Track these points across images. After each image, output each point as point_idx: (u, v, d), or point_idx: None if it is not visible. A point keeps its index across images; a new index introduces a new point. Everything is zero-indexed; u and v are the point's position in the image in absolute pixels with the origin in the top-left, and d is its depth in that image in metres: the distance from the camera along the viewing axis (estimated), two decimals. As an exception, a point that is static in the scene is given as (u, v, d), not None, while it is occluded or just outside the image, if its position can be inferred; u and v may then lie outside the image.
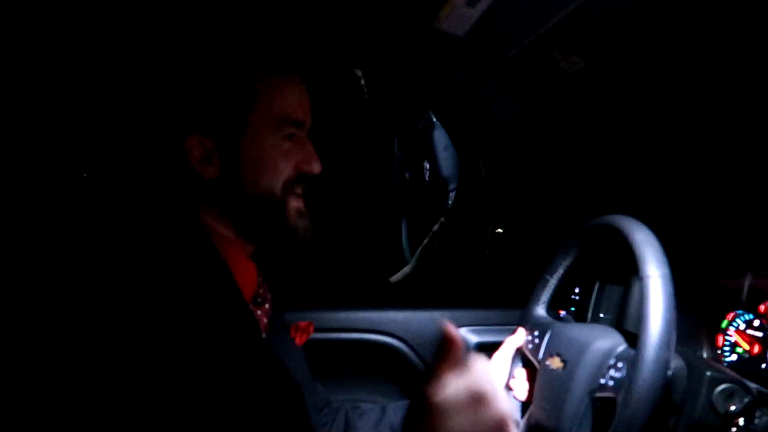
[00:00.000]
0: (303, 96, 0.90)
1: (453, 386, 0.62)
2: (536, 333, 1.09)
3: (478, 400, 0.62)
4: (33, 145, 1.11)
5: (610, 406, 0.85)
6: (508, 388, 1.13)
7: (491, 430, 0.62)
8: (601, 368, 0.89)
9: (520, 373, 1.14)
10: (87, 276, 0.71)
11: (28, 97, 1.11)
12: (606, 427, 0.82)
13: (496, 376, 1.12)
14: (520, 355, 1.15)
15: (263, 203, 0.86)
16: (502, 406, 0.63)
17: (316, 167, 0.90)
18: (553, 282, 1.14)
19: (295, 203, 0.89)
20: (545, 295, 1.15)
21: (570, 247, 1.10)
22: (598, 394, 0.89)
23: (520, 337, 1.13)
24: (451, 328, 0.64)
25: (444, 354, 0.64)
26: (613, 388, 0.85)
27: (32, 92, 1.11)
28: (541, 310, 1.15)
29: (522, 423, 1.08)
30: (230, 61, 0.85)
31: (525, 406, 1.12)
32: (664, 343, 0.77)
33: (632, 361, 0.80)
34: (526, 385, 1.12)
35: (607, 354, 0.90)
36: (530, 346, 1.10)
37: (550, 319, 1.13)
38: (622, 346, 0.91)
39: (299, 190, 0.90)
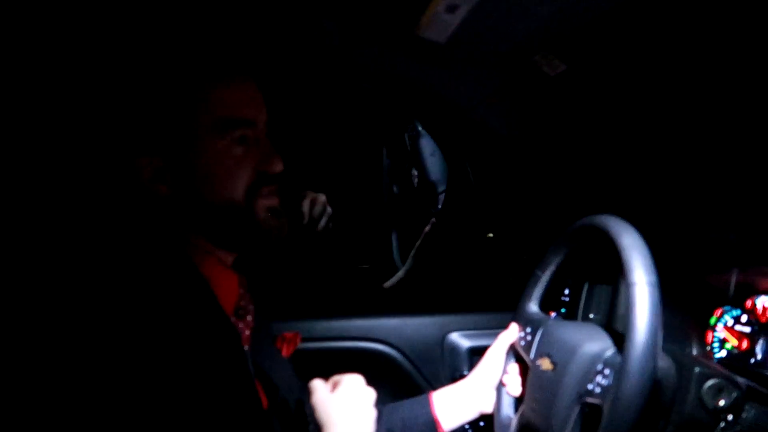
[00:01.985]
0: (249, 94, 0.85)
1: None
2: (528, 330, 1.10)
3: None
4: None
5: (598, 410, 0.85)
6: (502, 384, 1.13)
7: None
8: (589, 373, 0.89)
9: (513, 368, 1.14)
10: (63, 292, 0.70)
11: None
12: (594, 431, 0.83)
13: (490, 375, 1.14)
14: (513, 350, 1.15)
15: (226, 212, 0.83)
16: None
17: (276, 166, 0.86)
18: (544, 278, 1.14)
19: (264, 203, 0.85)
20: (537, 291, 1.15)
21: (561, 244, 1.10)
22: (586, 399, 0.89)
23: (513, 333, 1.14)
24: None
25: None
26: (600, 395, 0.85)
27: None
28: (533, 306, 1.15)
29: (514, 420, 1.09)
30: (167, 75, 0.82)
31: (518, 401, 1.12)
32: (650, 353, 0.76)
33: (618, 369, 0.80)
34: (519, 381, 1.12)
35: (595, 359, 0.90)
36: (522, 342, 1.10)
37: (542, 315, 1.13)
38: (609, 351, 0.91)
39: (268, 191, 0.86)
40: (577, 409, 0.91)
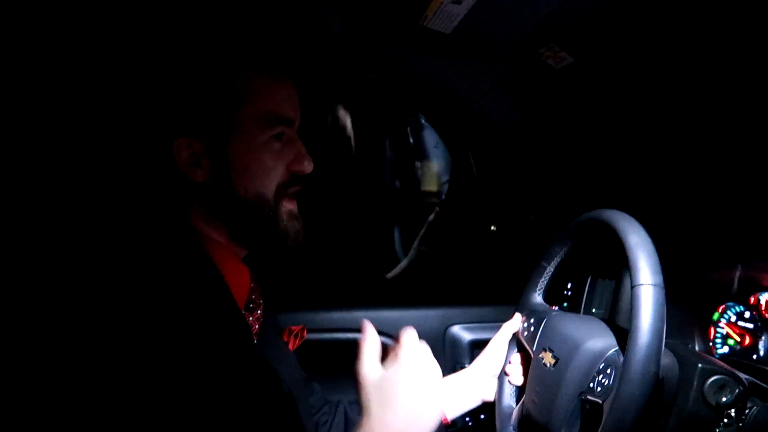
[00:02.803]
0: (291, 93, 0.87)
1: (383, 376, 0.76)
2: (532, 320, 1.10)
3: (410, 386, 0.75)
4: (22, 149, 1.10)
5: (599, 407, 0.85)
6: (504, 373, 1.13)
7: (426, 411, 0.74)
8: (591, 371, 0.89)
9: (516, 358, 1.14)
10: (77, 283, 0.70)
11: (18, 101, 1.10)
12: (594, 429, 0.82)
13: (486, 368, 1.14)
14: (515, 340, 1.15)
15: (254, 207, 0.84)
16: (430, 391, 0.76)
17: (308, 166, 0.87)
18: (549, 269, 1.13)
19: (287, 206, 0.87)
20: (542, 282, 1.15)
21: (567, 236, 1.09)
22: (587, 397, 0.89)
23: (516, 323, 1.14)
24: (365, 322, 0.82)
25: (365, 342, 0.79)
26: (601, 395, 0.85)
27: (21, 95, 1.10)
28: (537, 297, 1.15)
29: (516, 410, 1.09)
30: (216, 62, 0.83)
31: (520, 391, 1.12)
32: (652, 356, 0.76)
33: (620, 370, 0.79)
34: (521, 371, 1.12)
35: (598, 357, 0.90)
36: (526, 333, 1.10)
37: (546, 306, 1.13)
38: (612, 350, 0.90)
39: (292, 192, 0.88)
40: (577, 406, 0.91)
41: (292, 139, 0.88)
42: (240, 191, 0.83)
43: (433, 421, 0.75)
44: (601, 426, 0.80)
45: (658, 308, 0.77)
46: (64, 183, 1.10)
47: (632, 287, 0.79)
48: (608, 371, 0.86)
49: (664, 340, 0.78)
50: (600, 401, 0.84)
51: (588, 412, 0.91)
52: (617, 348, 0.90)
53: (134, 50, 1.05)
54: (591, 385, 0.87)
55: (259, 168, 0.84)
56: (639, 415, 0.76)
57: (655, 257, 0.81)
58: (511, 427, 1.09)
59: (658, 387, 0.83)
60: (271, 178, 0.84)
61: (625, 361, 0.77)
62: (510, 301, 1.26)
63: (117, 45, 1.10)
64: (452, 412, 1.12)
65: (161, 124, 0.84)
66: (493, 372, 1.14)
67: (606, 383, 0.85)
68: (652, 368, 0.76)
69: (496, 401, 1.13)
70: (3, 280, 0.80)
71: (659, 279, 0.79)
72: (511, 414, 1.10)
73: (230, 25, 0.94)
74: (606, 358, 0.88)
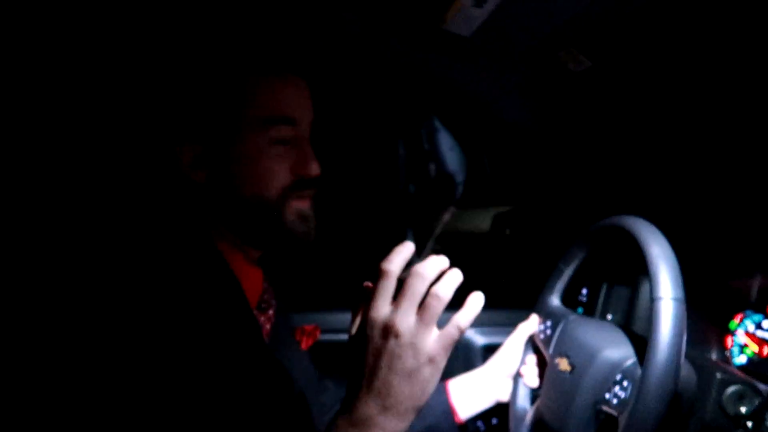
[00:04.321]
0: (297, 93, 0.85)
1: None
2: (549, 323, 1.09)
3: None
4: (28, 154, 1.11)
5: (613, 420, 0.84)
6: (519, 374, 1.13)
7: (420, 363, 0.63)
8: (607, 382, 0.88)
9: (531, 360, 1.14)
10: (93, 283, 0.70)
11: (23, 105, 1.11)
12: None
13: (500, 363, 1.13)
14: (531, 342, 1.14)
15: (257, 209, 0.83)
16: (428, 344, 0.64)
17: (313, 169, 0.85)
18: (568, 272, 1.13)
19: (296, 206, 0.85)
20: (560, 285, 1.14)
21: (586, 240, 1.09)
22: (602, 408, 0.88)
23: (533, 324, 1.13)
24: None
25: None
26: (617, 407, 0.84)
27: (26, 100, 1.11)
28: (555, 300, 1.14)
29: (530, 413, 1.08)
30: (216, 65, 0.82)
31: (534, 393, 1.12)
32: (671, 372, 0.75)
33: (637, 383, 0.79)
34: (536, 372, 1.12)
35: (615, 367, 0.89)
36: (542, 336, 1.09)
37: (563, 309, 1.13)
38: (629, 361, 0.89)
39: (304, 194, 0.86)
40: (592, 415, 0.90)
41: (297, 141, 0.85)
42: (240, 193, 0.82)
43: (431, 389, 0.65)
44: None
45: (678, 323, 0.76)
46: (73, 188, 1.11)
47: (652, 300, 0.78)
48: (625, 384, 0.85)
49: (683, 353, 0.77)
50: (616, 414, 0.84)
51: (603, 422, 0.90)
52: (635, 359, 0.89)
53: (136, 53, 1.06)
54: (607, 396, 0.87)
55: (258, 171, 0.82)
56: (656, 429, 0.75)
57: (677, 270, 0.80)
58: (525, 430, 1.08)
59: (675, 396, 0.82)
60: (273, 181, 0.82)
61: (642, 376, 0.77)
62: (525, 305, 1.25)
63: (118, 49, 1.10)
64: (465, 412, 1.12)
65: (163, 128, 0.83)
66: (508, 372, 1.14)
67: (622, 396, 0.84)
68: (670, 385, 0.75)
69: (510, 402, 1.13)
70: (18, 280, 0.81)
71: (680, 293, 0.78)
72: (524, 416, 1.10)
73: (234, 28, 0.94)
74: (624, 370, 0.87)
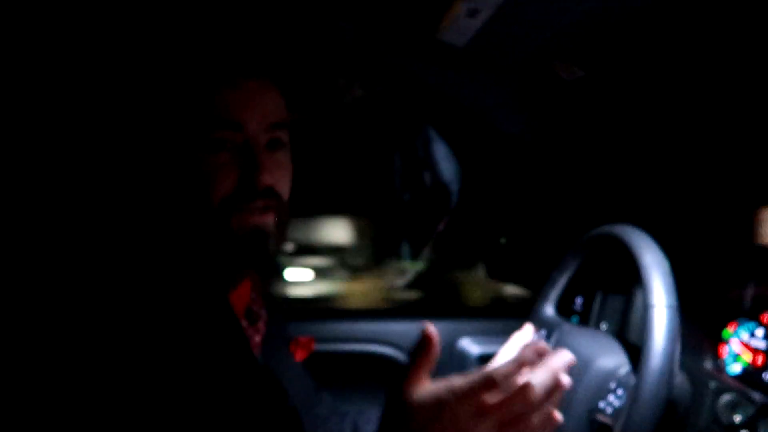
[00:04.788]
0: (246, 96, 0.78)
1: (431, 387, 0.59)
2: (543, 332, 1.09)
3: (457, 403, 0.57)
4: (21, 156, 1.11)
5: (608, 429, 0.84)
6: None
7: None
8: (601, 391, 0.88)
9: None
10: (78, 288, 0.70)
11: (15, 108, 1.10)
12: None
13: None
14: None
15: (203, 220, 0.77)
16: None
17: (263, 179, 0.76)
18: (562, 281, 1.13)
19: (246, 220, 0.77)
20: (554, 294, 1.14)
21: (579, 249, 1.09)
22: (597, 417, 0.88)
23: (527, 334, 1.13)
24: (431, 329, 0.61)
25: (422, 354, 0.60)
26: (611, 416, 0.84)
27: (19, 102, 1.10)
28: (549, 309, 1.14)
29: None
30: (162, 74, 0.80)
31: None
32: (664, 379, 0.76)
33: (632, 391, 0.79)
34: None
35: (609, 376, 0.89)
36: None
37: (558, 318, 1.12)
38: (623, 369, 0.90)
39: (256, 205, 0.77)
40: (587, 424, 0.90)
41: (244, 148, 0.78)
42: (187, 204, 0.78)
43: None
44: None
45: (671, 330, 0.77)
46: (61, 191, 1.10)
47: (646, 308, 0.79)
48: (619, 392, 0.85)
49: (677, 363, 0.78)
50: (610, 423, 0.84)
51: (598, 430, 0.90)
52: (629, 368, 0.89)
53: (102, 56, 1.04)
54: (601, 404, 0.87)
55: (201, 179, 0.76)
56: None
57: (669, 277, 0.80)
58: None
59: (670, 405, 0.82)
60: (214, 190, 0.76)
61: (637, 384, 0.77)
62: (520, 314, 1.25)
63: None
64: None
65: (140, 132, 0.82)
66: None
67: (617, 405, 0.84)
68: (664, 392, 0.75)
69: None
70: (15, 278, 0.80)
71: (674, 300, 0.78)
72: None
73: (183, 33, 0.91)
74: (618, 378, 0.87)
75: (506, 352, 1.14)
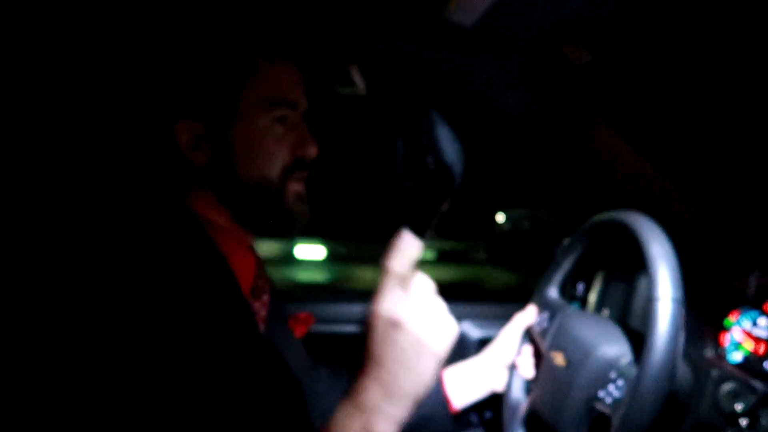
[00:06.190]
0: (294, 77, 0.87)
1: (396, 302, 0.65)
2: (546, 315, 1.09)
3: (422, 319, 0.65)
4: (20, 132, 1.09)
5: (606, 418, 0.84)
6: (514, 365, 1.13)
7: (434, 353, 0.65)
8: (601, 380, 0.88)
9: (527, 350, 1.13)
10: (82, 270, 0.69)
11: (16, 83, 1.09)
12: None
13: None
14: (528, 333, 1.14)
15: (258, 190, 0.84)
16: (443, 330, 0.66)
17: (312, 150, 0.87)
18: (566, 264, 1.12)
19: (293, 188, 0.87)
20: (558, 277, 1.14)
21: (586, 233, 1.08)
22: (596, 406, 0.88)
23: (530, 315, 1.13)
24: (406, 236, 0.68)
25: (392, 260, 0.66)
26: (610, 406, 0.84)
27: (20, 77, 1.09)
28: (553, 291, 1.14)
29: (523, 405, 1.08)
30: (219, 44, 0.83)
31: (529, 385, 1.12)
32: (666, 375, 0.75)
33: (632, 383, 0.78)
34: (532, 363, 1.12)
35: (610, 365, 0.88)
36: (538, 328, 1.09)
37: (561, 301, 1.12)
38: (625, 359, 0.89)
39: (299, 176, 0.88)
40: (585, 412, 0.90)
41: (295, 123, 0.87)
42: (243, 175, 0.83)
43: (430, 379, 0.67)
44: None
45: (675, 325, 0.76)
46: (64, 167, 1.09)
47: (650, 300, 0.78)
48: (619, 383, 0.84)
49: (680, 358, 0.77)
50: (608, 413, 0.83)
51: (596, 419, 0.90)
52: (630, 358, 0.88)
53: (137, 32, 1.04)
54: (600, 394, 0.86)
55: (261, 152, 0.83)
56: (649, 427, 0.75)
57: (676, 270, 0.79)
58: (519, 422, 1.08)
59: (670, 394, 0.82)
60: (275, 161, 0.84)
61: (638, 378, 0.76)
62: (520, 298, 1.25)
63: (119, 27, 1.08)
64: (460, 401, 1.12)
65: (162, 107, 0.83)
66: (504, 362, 1.14)
67: (616, 395, 0.84)
68: (665, 387, 0.75)
69: (505, 393, 1.13)
70: (5, 271, 0.79)
71: (679, 294, 0.77)
72: (519, 408, 1.10)
73: (235, 9, 0.93)
74: (619, 369, 0.87)
75: (508, 333, 1.15)
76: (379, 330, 0.66)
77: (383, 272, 0.68)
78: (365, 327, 0.68)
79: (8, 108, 1.06)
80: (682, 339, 0.76)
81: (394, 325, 0.65)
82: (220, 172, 0.83)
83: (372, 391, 0.66)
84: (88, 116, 1.11)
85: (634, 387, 0.76)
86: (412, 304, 0.66)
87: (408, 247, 0.68)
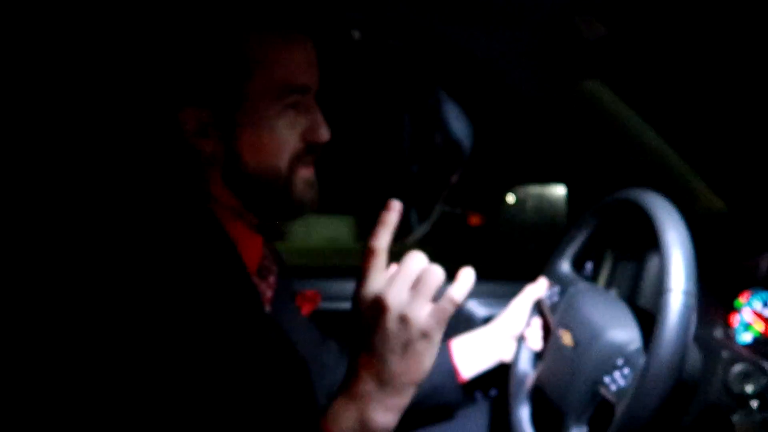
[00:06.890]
0: (308, 57, 0.81)
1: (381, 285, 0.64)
2: (556, 288, 1.08)
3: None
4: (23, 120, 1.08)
5: (611, 405, 0.83)
6: (523, 336, 1.13)
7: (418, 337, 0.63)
8: (608, 364, 0.87)
9: (536, 322, 1.13)
10: (87, 251, 0.68)
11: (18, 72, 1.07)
12: (604, 424, 0.81)
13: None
14: (537, 306, 1.14)
15: (267, 177, 0.80)
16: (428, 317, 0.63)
17: (324, 135, 0.82)
18: (580, 238, 1.11)
19: (302, 174, 0.82)
20: (570, 250, 1.12)
21: (602, 209, 1.06)
22: (601, 392, 0.87)
23: (540, 288, 1.13)
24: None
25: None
26: (615, 394, 0.83)
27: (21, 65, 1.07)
28: (565, 265, 1.13)
29: (530, 377, 1.08)
30: (220, 26, 0.77)
31: (537, 357, 1.12)
32: (673, 368, 0.73)
33: (638, 373, 0.77)
34: (540, 335, 1.12)
35: (617, 350, 0.87)
36: (548, 302, 1.09)
37: (573, 275, 1.11)
38: (633, 345, 0.87)
39: (309, 160, 0.84)
40: (590, 396, 0.89)
41: (307, 107, 0.82)
42: (251, 163, 0.79)
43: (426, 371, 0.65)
44: (613, 426, 0.79)
45: (686, 318, 0.74)
46: (69, 154, 1.08)
47: (662, 291, 0.76)
48: (626, 371, 0.83)
49: (689, 349, 0.76)
50: (613, 400, 0.83)
51: (600, 403, 0.89)
52: (639, 345, 0.87)
53: (136, 14, 1.01)
54: (606, 379, 0.86)
55: (271, 140, 0.79)
56: (652, 420, 0.74)
57: (691, 260, 0.77)
58: (525, 395, 1.08)
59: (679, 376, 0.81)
60: (284, 149, 0.80)
61: (644, 371, 0.75)
62: (527, 277, 1.24)
63: (118, 10, 1.05)
64: (468, 371, 1.12)
65: (166, 93, 0.79)
66: (513, 333, 1.14)
67: (622, 384, 0.83)
68: (671, 382, 0.74)
69: (513, 364, 1.13)
70: (11, 262, 0.78)
71: (692, 286, 0.75)
72: (525, 380, 1.09)
73: None
74: (626, 355, 0.85)
75: (518, 304, 1.14)
76: (366, 315, 0.64)
77: (368, 252, 0.65)
78: (351, 313, 0.66)
79: (8, 97, 1.05)
80: (692, 331, 0.75)
81: (382, 309, 0.62)
82: (228, 159, 0.80)
83: (364, 380, 0.64)
84: (88, 104, 1.10)
85: (640, 380, 0.75)
86: (399, 286, 0.63)
87: (389, 221, 0.65)
